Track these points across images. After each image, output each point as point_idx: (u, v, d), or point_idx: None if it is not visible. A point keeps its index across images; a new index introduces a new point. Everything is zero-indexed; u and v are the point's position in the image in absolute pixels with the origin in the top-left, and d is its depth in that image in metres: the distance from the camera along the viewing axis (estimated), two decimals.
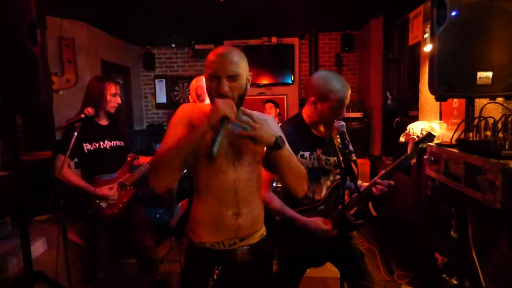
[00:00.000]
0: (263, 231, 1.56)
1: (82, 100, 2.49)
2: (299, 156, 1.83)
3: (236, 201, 1.41)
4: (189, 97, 2.38)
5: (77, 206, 2.55)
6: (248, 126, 1.31)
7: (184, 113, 1.45)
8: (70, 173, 2.41)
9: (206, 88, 1.41)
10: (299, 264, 1.99)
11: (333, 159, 1.93)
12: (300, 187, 1.54)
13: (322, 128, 1.94)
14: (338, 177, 1.97)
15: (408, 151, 2.96)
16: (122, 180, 2.55)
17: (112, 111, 2.56)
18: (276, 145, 1.35)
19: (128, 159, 2.66)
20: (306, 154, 1.87)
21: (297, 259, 1.94)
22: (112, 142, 2.57)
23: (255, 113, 1.40)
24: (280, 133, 1.45)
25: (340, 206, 1.82)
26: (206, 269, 1.43)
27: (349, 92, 1.80)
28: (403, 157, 1.91)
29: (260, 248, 1.51)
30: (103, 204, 2.45)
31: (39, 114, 3.70)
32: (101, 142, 2.50)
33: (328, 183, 1.96)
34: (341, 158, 1.71)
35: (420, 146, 1.91)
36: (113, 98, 2.52)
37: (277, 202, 1.88)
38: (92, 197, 2.41)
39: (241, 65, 1.37)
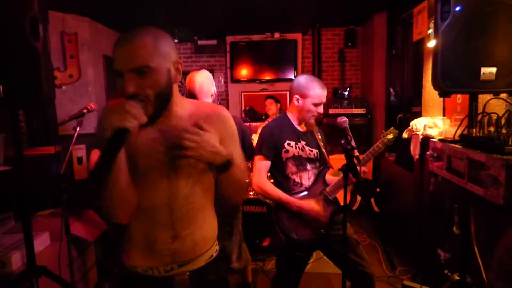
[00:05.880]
0: (212, 251, 1.27)
1: None
2: (286, 144, 2.07)
3: (172, 222, 1.14)
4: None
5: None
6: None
7: (100, 118, 1.12)
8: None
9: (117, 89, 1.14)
10: (296, 251, 2.06)
11: (315, 150, 2.15)
12: (236, 198, 1.32)
13: (303, 126, 2.18)
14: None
15: (411, 147, 2.97)
16: None
17: None
18: (224, 166, 1.10)
19: None
20: (292, 143, 2.09)
21: (293, 245, 2.04)
22: None
23: (200, 106, 1.20)
24: (234, 130, 1.23)
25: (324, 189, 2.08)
26: None
27: (326, 92, 2.11)
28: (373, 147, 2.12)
29: (206, 273, 1.23)
30: None
31: (41, 109, 3.71)
32: None
33: (315, 170, 2.15)
34: (324, 151, 2.16)
35: (387, 138, 2.10)
36: None
37: (270, 187, 2.06)
38: None
39: (155, 53, 1.02)
